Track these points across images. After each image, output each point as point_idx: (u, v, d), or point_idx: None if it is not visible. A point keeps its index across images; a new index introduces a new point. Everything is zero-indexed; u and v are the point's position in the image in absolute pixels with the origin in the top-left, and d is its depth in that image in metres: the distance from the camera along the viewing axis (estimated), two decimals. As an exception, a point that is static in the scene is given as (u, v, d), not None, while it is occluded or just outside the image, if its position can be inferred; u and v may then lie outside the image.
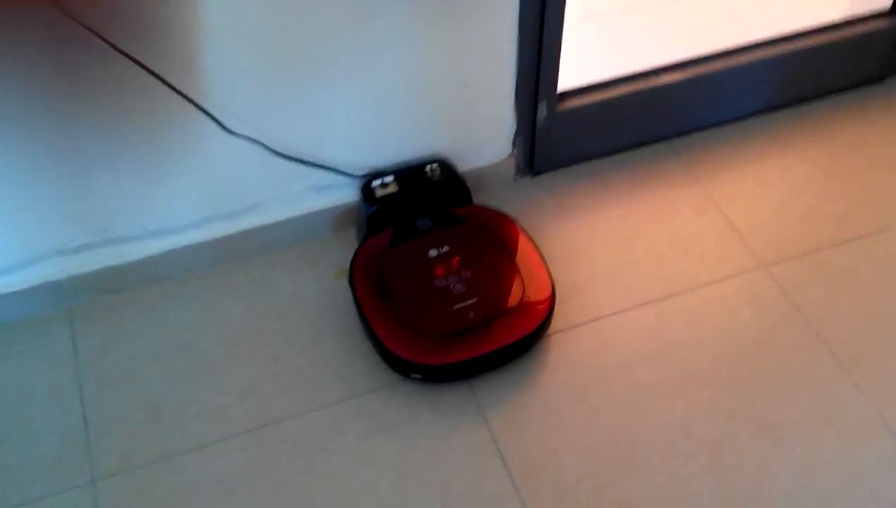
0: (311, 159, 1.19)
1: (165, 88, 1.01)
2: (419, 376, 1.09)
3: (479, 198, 1.30)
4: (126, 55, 0.95)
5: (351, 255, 1.20)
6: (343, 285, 1.21)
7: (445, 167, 1.26)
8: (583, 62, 1.44)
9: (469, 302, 1.11)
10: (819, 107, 1.48)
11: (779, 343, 1.15)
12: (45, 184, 1.07)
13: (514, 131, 1.31)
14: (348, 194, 1.27)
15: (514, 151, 1.34)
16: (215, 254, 1.24)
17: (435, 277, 1.14)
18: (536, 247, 1.21)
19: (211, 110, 1.06)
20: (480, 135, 1.30)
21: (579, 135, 1.38)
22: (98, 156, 1.06)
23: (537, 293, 1.14)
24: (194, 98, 1.03)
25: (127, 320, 1.19)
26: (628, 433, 1.06)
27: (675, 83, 1.38)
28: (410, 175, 1.24)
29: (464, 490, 1.01)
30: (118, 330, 1.17)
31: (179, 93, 1.02)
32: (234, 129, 1.09)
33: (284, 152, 1.16)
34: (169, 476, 1.02)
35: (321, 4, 1.02)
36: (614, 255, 1.27)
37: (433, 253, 1.18)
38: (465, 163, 1.30)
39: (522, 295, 1.13)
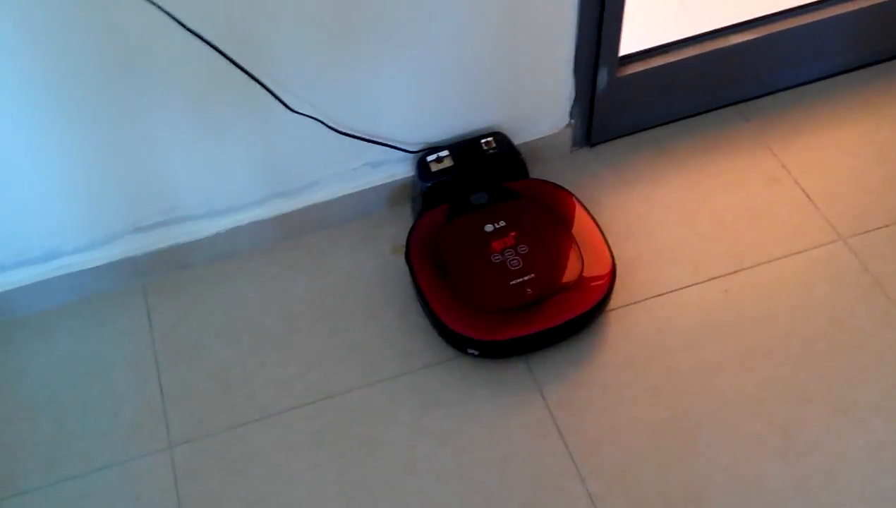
0: (367, 135, 1.20)
1: (230, 66, 1.02)
2: (476, 352, 1.09)
3: (535, 172, 1.28)
4: (193, 33, 0.97)
5: (406, 231, 1.20)
6: (399, 260, 1.22)
7: (501, 140, 1.24)
8: (644, 24, 1.37)
9: (526, 277, 1.10)
10: (905, 66, 1.38)
11: (857, 319, 1.09)
12: (119, 167, 1.12)
13: (571, 100, 1.28)
14: (403, 170, 1.27)
15: (572, 122, 1.31)
16: (276, 231, 1.27)
17: (492, 252, 1.14)
18: (595, 220, 1.18)
19: (274, 88, 1.07)
20: (537, 105, 1.27)
21: (640, 102, 1.33)
22: (167, 137, 1.10)
23: (597, 268, 1.12)
24: (258, 76, 1.05)
25: (196, 295, 1.24)
26: (692, 412, 1.03)
27: (744, 43, 1.30)
28: (465, 149, 1.23)
29: (522, 465, 1.01)
30: (189, 305, 1.23)
31: (245, 71, 1.03)
32: (295, 107, 1.11)
33: (342, 129, 1.17)
34: (239, 444, 1.07)
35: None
36: (678, 228, 1.23)
37: (489, 228, 1.17)
38: (521, 136, 1.28)
39: (581, 271, 1.11)
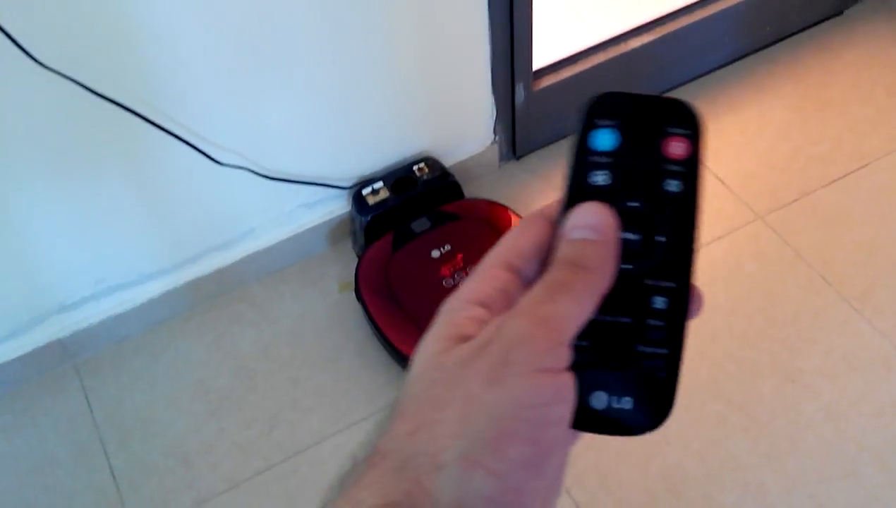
0: (298, 177, 1.17)
1: (150, 127, 0.97)
2: (444, 380, 1.08)
3: (468, 191, 1.29)
4: (107, 99, 0.92)
5: (349, 267, 1.19)
6: (349, 298, 1.20)
7: (432, 164, 1.25)
8: (549, 39, 1.43)
9: (481, 298, 1.11)
10: (785, 49, 1.49)
11: (787, 291, 1.17)
12: (38, 242, 1.04)
13: (493, 118, 1.30)
14: (340, 206, 1.25)
15: (496, 138, 1.33)
16: (216, 286, 1.22)
17: (442, 277, 1.14)
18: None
19: (195, 143, 1.03)
20: (462, 126, 1.28)
21: (557, 111, 1.37)
22: (96, 207, 1.04)
23: (546, 278, 1.14)
24: (180, 134, 1.01)
25: (137, 367, 1.16)
26: (657, 403, 1.07)
27: (643, 46, 1.37)
28: (399, 178, 1.23)
29: (507, 486, 1.02)
30: (130, 379, 1.15)
31: (165, 130, 0.99)
32: (220, 159, 1.07)
33: (272, 175, 1.14)
34: (210, 520, 1.01)
35: (282, 18, 0.99)
36: (612, 227, 1.27)
37: (436, 253, 1.17)
38: (450, 158, 1.29)
39: (532, 283, 1.13)
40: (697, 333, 1.20)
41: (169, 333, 1.19)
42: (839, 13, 1.54)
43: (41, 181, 0.98)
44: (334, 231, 1.27)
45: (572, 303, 0.27)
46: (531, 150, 1.39)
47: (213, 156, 1.05)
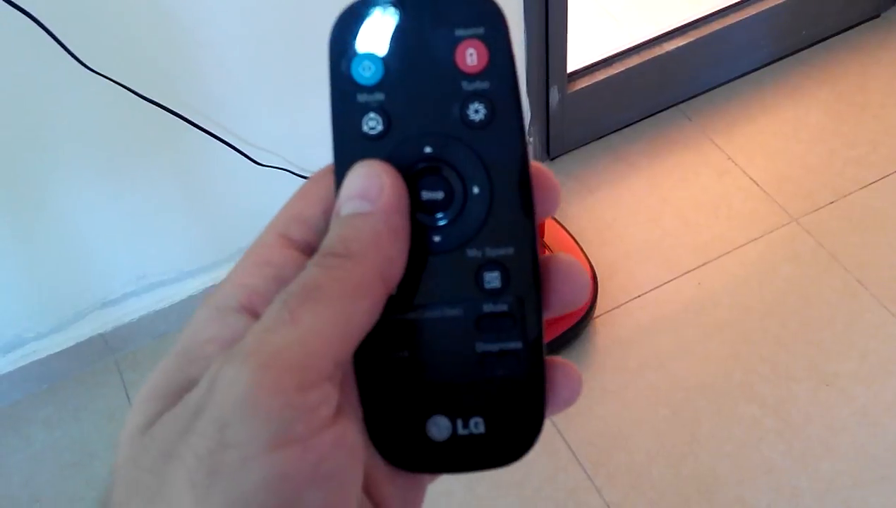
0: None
1: (193, 129, 1.00)
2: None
3: (501, 191, 1.30)
4: (152, 102, 0.95)
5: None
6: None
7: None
8: (584, 41, 1.43)
9: (513, 298, 1.12)
10: (821, 52, 1.48)
11: (823, 294, 1.16)
12: (84, 239, 1.07)
13: (528, 119, 1.31)
14: (373, 206, 1.27)
15: (531, 139, 1.34)
16: (252, 285, 1.24)
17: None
18: (568, 231, 1.22)
19: (236, 145, 1.05)
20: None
21: (591, 113, 1.38)
22: (139, 206, 1.07)
23: (578, 279, 1.15)
24: (220, 135, 1.03)
25: (175, 362, 1.19)
26: (690, 405, 1.07)
27: (678, 49, 1.37)
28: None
29: (539, 486, 1.02)
30: (169, 374, 1.18)
31: (207, 132, 1.01)
32: (260, 160, 1.09)
33: (310, 175, 1.16)
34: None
35: (320, 23, 1.01)
36: (645, 228, 1.28)
37: (469, 253, 1.18)
38: (483, 158, 1.30)
39: (564, 284, 1.14)
40: (731, 335, 1.20)
41: (206, 329, 1.22)
42: (876, 16, 1.52)
43: (88, 180, 1.01)
44: (368, 231, 1.29)
45: (325, 317, 0.18)
46: (565, 151, 1.40)
47: (253, 157, 1.08)
